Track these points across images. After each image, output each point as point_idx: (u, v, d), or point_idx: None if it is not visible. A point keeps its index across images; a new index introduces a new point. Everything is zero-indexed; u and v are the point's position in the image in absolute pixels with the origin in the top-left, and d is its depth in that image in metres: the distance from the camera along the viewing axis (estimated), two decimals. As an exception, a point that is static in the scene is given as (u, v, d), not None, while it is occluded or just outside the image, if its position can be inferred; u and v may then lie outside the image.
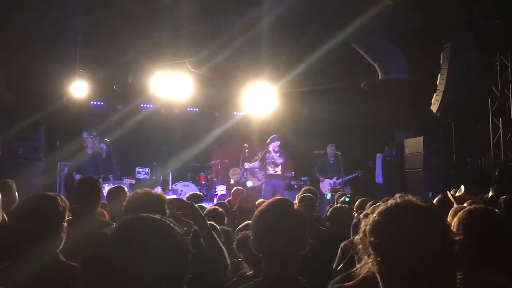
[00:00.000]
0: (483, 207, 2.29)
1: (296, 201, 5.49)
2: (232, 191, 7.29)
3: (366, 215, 2.34)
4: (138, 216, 1.35)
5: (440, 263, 1.38)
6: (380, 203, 1.76)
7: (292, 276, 2.05)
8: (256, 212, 2.17)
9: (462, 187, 4.42)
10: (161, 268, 1.25)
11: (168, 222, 1.34)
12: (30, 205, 2.39)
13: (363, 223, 1.56)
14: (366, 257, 2.08)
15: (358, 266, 2.19)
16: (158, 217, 1.35)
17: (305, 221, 2.19)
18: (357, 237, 2.29)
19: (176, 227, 1.34)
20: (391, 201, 1.51)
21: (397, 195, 1.56)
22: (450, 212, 3.44)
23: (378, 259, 1.44)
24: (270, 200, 2.25)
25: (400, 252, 1.38)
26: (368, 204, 4.77)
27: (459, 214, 2.15)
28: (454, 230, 2.09)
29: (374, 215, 1.50)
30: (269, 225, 2.08)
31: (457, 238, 2.01)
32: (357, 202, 4.92)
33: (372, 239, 1.46)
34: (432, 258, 1.37)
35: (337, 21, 8.63)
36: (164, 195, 3.16)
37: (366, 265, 2.07)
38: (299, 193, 6.09)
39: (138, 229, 1.30)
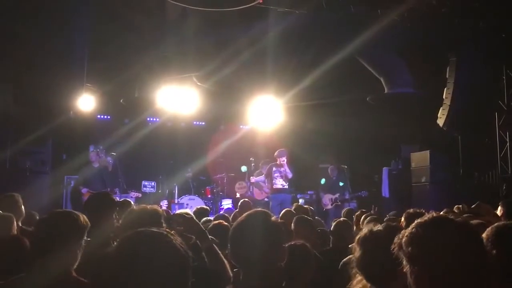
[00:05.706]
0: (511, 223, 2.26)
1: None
2: (239, 203, 7.24)
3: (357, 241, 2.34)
4: (139, 230, 1.42)
5: (475, 273, 1.47)
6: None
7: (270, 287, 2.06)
8: (233, 224, 2.21)
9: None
10: (167, 277, 1.34)
11: (166, 233, 1.43)
12: (53, 219, 2.46)
13: (396, 238, 1.62)
14: (358, 275, 2.11)
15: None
16: (158, 230, 1.43)
17: (282, 233, 2.23)
18: (351, 256, 2.30)
19: (175, 237, 1.42)
20: (428, 215, 1.61)
21: (445, 211, 1.64)
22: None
23: (415, 268, 1.51)
24: (248, 212, 2.29)
25: (440, 261, 1.48)
26: (365, 217, 4.76)
27: (487, 230, 2.12)
28: None
29: (412, 227, 1.58)
30: (244, 237, 2.12)
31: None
32: (361, 218, 4.91)
33: (410, 249, 1.53)
34: (468, 269, 1.46)
35: (343, 36, 8.67)
36: (160, 210, 3.22)
37: (359, 283, 2.10)
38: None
39: (141, 243, 1.37)
